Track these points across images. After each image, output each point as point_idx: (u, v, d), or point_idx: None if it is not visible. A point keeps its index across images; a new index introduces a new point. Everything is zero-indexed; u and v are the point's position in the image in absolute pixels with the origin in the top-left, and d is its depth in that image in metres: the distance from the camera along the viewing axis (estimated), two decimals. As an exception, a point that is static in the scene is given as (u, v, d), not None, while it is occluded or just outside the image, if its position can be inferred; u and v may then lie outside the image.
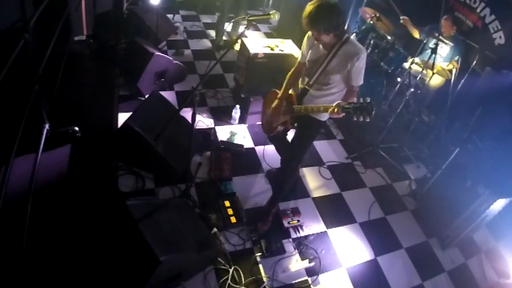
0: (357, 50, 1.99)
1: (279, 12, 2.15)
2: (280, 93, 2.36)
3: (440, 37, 3.36)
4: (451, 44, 3.76)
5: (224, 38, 4.85)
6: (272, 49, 3.51)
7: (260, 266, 2.35)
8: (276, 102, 2.35)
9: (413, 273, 2.61)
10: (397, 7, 4.12)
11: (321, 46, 2.10)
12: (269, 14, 2.07)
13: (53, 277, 1.87)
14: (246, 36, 5.02)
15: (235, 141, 3.28)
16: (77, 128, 1.96)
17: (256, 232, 2.53)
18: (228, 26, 4.45)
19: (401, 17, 4.03)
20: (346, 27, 2.03)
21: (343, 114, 1.81)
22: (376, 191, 3.23)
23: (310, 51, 2.19)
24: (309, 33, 2.14)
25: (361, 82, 2.08)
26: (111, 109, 3.10)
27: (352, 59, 1.97)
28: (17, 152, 1.84)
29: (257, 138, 3.43)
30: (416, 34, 4.07)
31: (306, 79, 2.21)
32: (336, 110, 1.81)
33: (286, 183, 2.63)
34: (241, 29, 4.92)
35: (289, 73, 2.39)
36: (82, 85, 3.27)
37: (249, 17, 2.06)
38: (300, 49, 2.30)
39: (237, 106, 3.53)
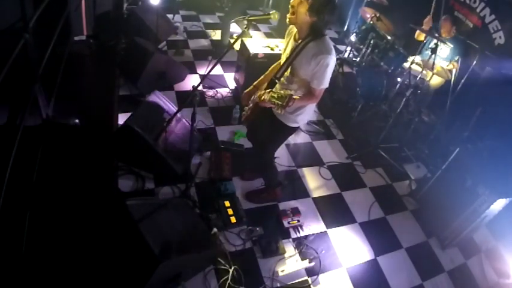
0: (325, 49, 1.88)
1: (279, 12, 2.15)
2: (257, 80, 2.36)
3: (439, 38, 3.35)
4: (451, 45, 3.76)
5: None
6: (272, 49, 3.51)
7: (260, 266, 2.36)
8: (250, 87, 2.37)
9: (413, 273, 2.61)
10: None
11: (292, 39, 2.04)
12: (269, 14, 2.06)
13: (53, 277, 1.87)
14: (251, 36, 5.02)
15: (235, 141, 3.28)
16: (77, 121, 1.96)
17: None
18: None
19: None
20: (325, 29, 1.95)
21: (269, 104, 1.88)
22: (376, 191, 3.23)
23: (287, 44, 2.14)
24: (291, 26, 2.07)
25: (323, 86, 1.98)
26: (111, 109, 3.10)
27: (316, 57, 1.87)
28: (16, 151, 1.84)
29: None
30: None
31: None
32: (263, 97, 1.93)
33: (267, 173, 2.69)
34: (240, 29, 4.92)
35: (273, 65, 2.36)
36: (82, 85, 3.26)
37: (249, 17, 2.05)
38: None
39: (237, 106, 3.53)
